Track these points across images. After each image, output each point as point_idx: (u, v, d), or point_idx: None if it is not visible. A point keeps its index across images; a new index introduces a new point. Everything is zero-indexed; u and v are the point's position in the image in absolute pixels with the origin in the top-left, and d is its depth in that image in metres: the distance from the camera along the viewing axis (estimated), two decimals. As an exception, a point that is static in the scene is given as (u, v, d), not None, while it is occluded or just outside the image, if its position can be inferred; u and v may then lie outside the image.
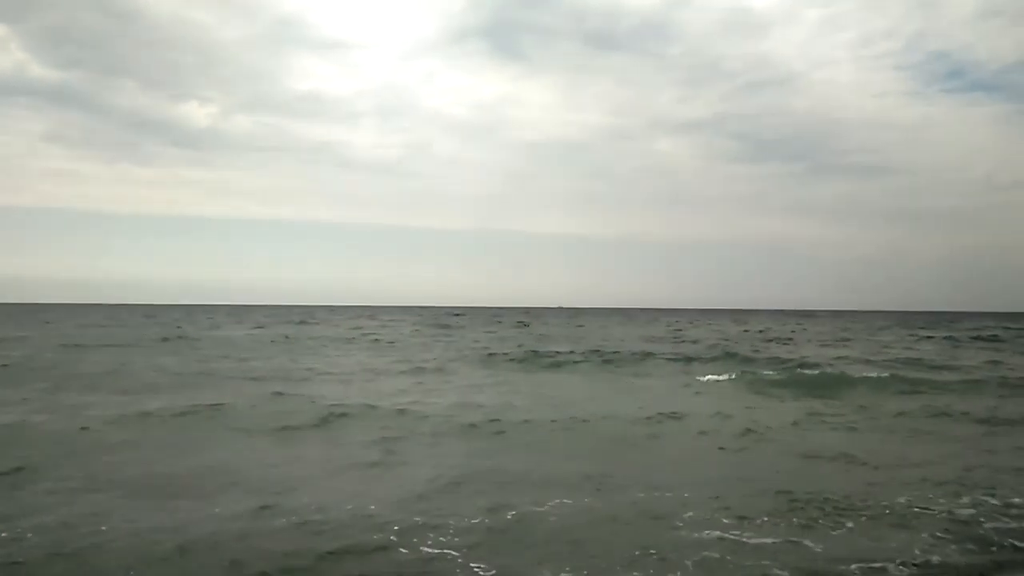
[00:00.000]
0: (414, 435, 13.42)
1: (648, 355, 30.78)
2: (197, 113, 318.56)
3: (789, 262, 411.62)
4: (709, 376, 23.28)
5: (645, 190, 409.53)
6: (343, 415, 15.08)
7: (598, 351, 32.47)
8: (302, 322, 74.09)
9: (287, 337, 45.45)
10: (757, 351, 33.89)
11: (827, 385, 21.06)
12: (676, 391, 20.45)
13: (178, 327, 58.66)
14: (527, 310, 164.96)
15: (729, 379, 22.70)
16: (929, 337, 48.24)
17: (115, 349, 33.44)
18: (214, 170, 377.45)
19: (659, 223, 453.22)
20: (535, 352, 32.08)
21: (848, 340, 45.12)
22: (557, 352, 32.25)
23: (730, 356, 30.29)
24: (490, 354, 32.04)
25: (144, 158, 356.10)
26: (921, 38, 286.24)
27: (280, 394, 17.90)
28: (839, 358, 29.49)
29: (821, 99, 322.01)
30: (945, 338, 46.20)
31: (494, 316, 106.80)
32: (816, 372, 23.71)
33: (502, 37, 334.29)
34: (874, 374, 23.00)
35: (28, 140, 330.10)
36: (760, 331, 57.03)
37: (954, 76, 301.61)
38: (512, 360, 29.54)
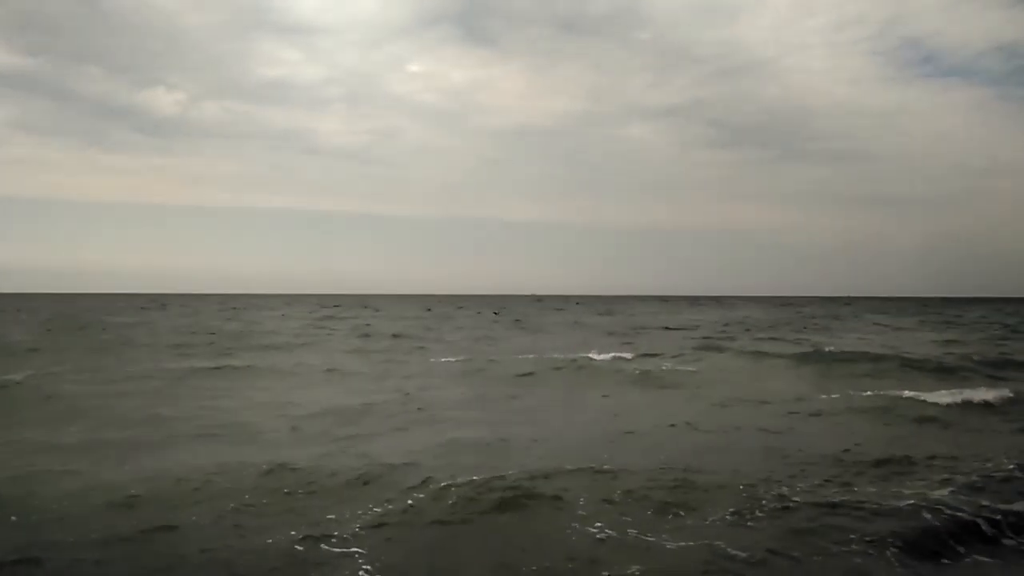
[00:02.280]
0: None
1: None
2: (164, 100, 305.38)
3: (763, 249, 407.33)
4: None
5: (618, 176, 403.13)
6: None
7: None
8: (234, 309, 64.01)
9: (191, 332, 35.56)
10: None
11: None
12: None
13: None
14: (500, 298, 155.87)
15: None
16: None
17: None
18: (181, 157, 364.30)
19: (632, 210, 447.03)
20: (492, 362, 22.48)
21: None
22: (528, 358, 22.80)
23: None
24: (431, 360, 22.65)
25: (112, 145, 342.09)
26: (894, 24, 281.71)
27: None
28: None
29: (793, 85, 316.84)
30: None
31: (461, 305, 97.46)
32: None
33: (472, 22, 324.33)
34: None
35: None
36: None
37: (928, 62, 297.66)
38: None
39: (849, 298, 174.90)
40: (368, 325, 44.89)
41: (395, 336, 34.31)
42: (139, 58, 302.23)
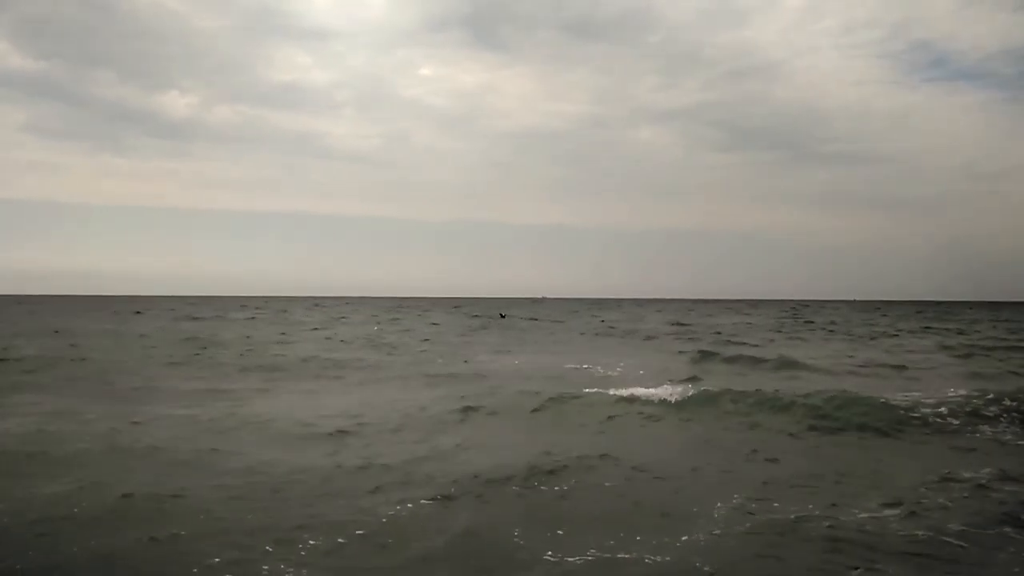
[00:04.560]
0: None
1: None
2: (177, 103, 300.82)
3: (773, 252, 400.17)
4: None
5: (626, 179, 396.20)
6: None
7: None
8: (217, 316, 58.01)
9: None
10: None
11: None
12: None
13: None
14: (510, 301, 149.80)
15: None
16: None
17: None
18: (194, 161, 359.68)
19: (642, 213, 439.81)
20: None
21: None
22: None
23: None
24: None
25: (124, 149, 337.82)
26: (903, 27, 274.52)
27: None
28: None
29: (802, 88, 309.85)
30: None
31: (474, 308, 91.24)
32: None
33: (481, 26, 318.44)
34: None
35: (7, 131, 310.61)
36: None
37: (936, 65, 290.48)
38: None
39: (863, 301, 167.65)
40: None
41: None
42: (152, 62, 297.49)
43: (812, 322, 52.51)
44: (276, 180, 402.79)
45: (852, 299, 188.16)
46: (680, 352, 25.11)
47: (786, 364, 20.39)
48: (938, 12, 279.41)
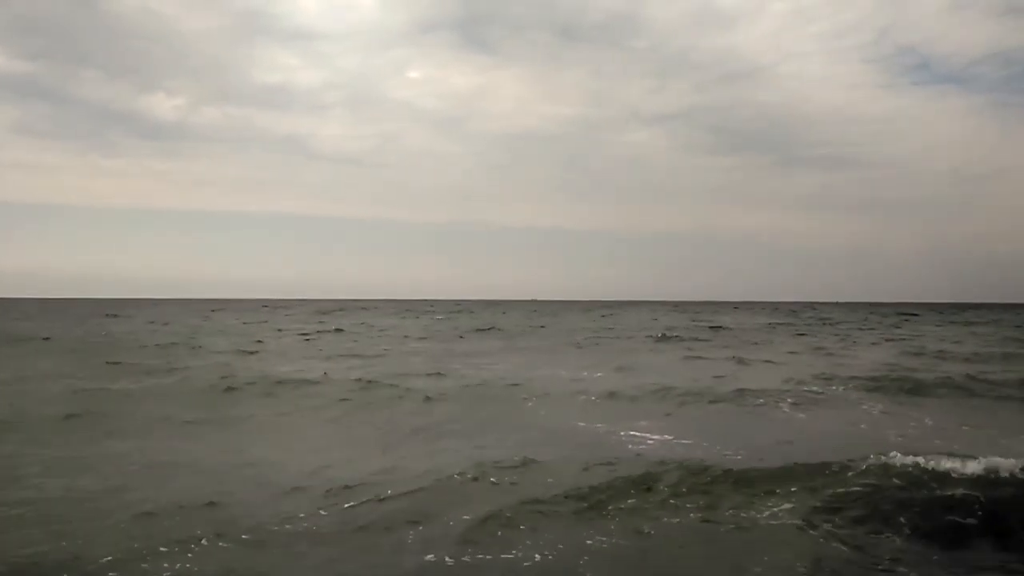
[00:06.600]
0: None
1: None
2: (164, 104, 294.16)
3: (764, 254, 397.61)
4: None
5: (618, 182, 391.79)
6: None
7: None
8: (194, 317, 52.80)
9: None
10: None
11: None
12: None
13: None
14: (499, 303, 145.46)
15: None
16: None
17: None
18: (182, 162, 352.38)
19: (633, 215, 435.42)
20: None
21: None
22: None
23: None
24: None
25: (112, 150, 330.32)
26: (890, 31, 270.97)
27: None
28: None
29: (791, 91, 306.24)
30: None
31: (458, 309, 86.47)
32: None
33: (472, 28, 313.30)
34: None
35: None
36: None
37: (923, 69, 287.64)
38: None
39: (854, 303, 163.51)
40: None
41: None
42: (139, 63, 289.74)
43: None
44: (266, 181, 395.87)
45: (836, 301, 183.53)
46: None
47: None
48: (924, 17, 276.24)
